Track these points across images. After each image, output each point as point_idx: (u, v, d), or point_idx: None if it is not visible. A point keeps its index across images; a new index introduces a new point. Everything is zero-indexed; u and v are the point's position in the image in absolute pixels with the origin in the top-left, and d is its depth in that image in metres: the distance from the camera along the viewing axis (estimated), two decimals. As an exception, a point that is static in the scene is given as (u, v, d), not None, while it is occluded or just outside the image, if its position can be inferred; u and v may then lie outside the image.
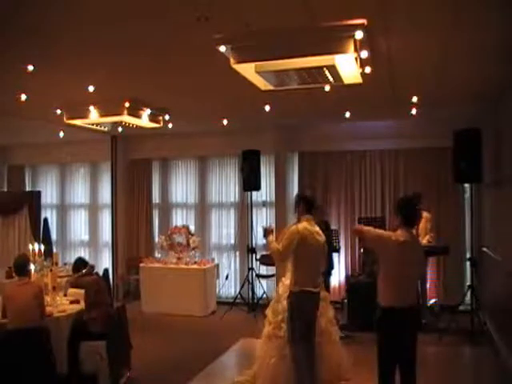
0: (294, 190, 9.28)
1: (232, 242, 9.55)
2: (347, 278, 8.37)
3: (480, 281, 7.25)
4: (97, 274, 5.97)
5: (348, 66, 4.23)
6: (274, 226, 5.40)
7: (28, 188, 11.06)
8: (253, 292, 8.61)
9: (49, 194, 11.01)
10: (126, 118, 6.55)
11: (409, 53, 4.57)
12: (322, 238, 4.68)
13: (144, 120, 6.78)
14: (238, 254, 9.49)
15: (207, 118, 7.88)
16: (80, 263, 5.84)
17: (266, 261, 9.12)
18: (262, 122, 8.36)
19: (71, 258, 9.62)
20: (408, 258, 3.78)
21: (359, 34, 3.73)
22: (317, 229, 4.69)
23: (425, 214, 7.23)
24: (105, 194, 10.50)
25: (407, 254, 3.78)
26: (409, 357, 3.79)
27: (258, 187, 8.69)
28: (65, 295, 5.95)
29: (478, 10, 3.57)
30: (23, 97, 5.77)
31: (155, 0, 3.31)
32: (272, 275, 9.05)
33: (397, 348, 3.77)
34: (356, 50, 3.87)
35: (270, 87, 4.91)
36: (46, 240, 9.24)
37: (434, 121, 7.85)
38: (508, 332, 5.78)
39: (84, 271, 5.70)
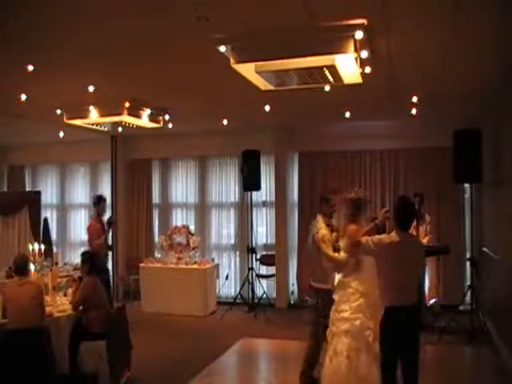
0: (294, 189, 9.28)
1: (232, 242, 9.54)
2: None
3: (480, 281, 7.25)
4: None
5: (348, 65, 4.23)
6: None
7: (28, 188, 11.05)
8: (253, 292, 8.60)
9: (49, 194, 11.00)
10: (126, 118, 6.55)
11: (409, 53, 4.56)
12: None
13: (144, 120, 6.78)
14: (238, 253, 9.49)
15: (207, 117, 7.87)
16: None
17: (265, 261, 9.13)
18: (262, 122, 8.36)
19: (71, 258, 9.65)
20: (405, 257, 3.78)
21: (359, 34, 3.73)
22: None
23: (426, 217, 7.28)
24: (105, 194, 10.47)
25: (404, 254, 3.78)
26: (411, 356, 3.79)
27: (258, 187, 8.68)
28: (65, 295, 5.95)
29: (478, 9, 3.57)
30: (23, 97, 5.77)
31: (155, 0, 3.31)
32: (272, 275, 9.06)
33: (399, 347, 3.77)
34: (356, 49, 3.88)
35: (270, 87, 4.91)
36: (46, 240, 9.20)
37: (433, 121, 7.85)
38: (508, 332, 5.77)
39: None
